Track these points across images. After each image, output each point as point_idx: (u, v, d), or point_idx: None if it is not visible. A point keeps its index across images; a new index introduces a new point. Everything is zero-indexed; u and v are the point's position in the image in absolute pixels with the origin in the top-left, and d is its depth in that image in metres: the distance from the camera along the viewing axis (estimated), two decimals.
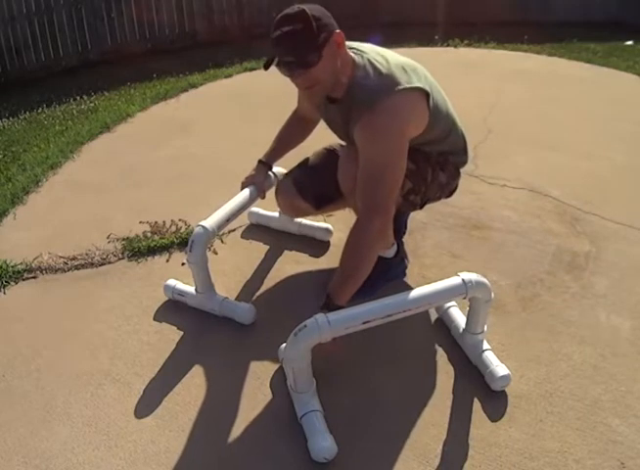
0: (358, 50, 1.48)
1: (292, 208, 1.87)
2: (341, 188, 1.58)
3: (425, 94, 1.45)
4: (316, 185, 1.74)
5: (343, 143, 1.82)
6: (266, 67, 1.39)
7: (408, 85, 1.40)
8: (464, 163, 1.73)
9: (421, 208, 1.72)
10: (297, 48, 1.33)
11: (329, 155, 1.80)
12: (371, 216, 1.42)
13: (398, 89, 1.39)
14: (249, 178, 1.84)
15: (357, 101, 1.42)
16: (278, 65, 1.37)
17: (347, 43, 1.47)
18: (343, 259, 1.45)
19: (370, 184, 1.43)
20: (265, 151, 1.87)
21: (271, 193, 1.91)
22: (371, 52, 1.48)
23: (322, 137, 1.85)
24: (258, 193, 1.81)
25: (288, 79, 1.44)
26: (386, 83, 1.40)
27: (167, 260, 2.02)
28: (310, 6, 1.35)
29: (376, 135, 1.40)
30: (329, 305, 1.38)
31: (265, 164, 1.85)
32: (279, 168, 1.91)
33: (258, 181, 1.82)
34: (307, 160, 1.82)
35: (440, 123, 1.54)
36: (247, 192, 1.79)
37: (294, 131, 1.87)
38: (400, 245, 1.83)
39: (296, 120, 1.87)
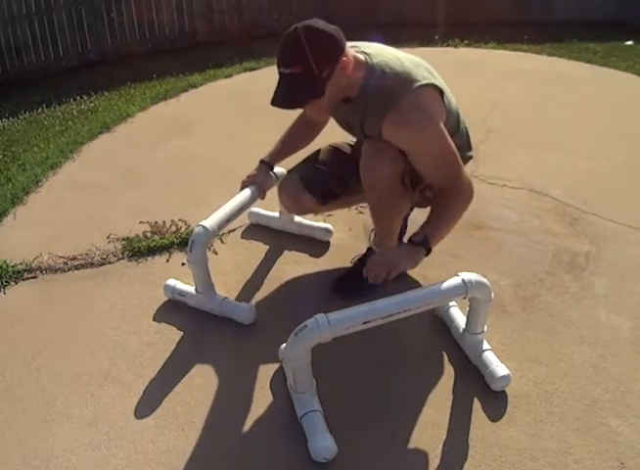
0: (368, 50, 1.47)
1: (295, 204, 1.84)
2: (362, 182, 1.57)
3: (439, 91, 1.46)
4: (323, 181, 1.73)
5: (351, 140, 1.82)
6: (272, 104, 1.39)
7: (425, 81, 1.41)
8: (469, 158, 1.72)
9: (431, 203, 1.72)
10: (298, 91, 1.35)
11: (335, 152, 1.80)
12: (456, 182, 1.45)
13: (417, 86, 1.39)
14: (250, 178, 1.82)
15: (375, 100, 1.41)
16: (278, 105, 1.39)
17: (355, 43, 1.48)
18: (444, 216, 1.46)
19: (436, 166, 1.45)
20: (266, 150, 1.86)
21: (272, 192, 1.91)
22: (382, 50, 1.48)
23: (325, 137, 1.85)
24: (259, 193, 1.81)
25: None
26: (404, 80, 1.40)
27: (167, 260, 2.02)
28: (312, 32, 1.31)
29: (413, 131, 1.40)
30: (428, 247, 1.39)
31: (267, 165, 1.83)
32: (279, 169, 1.91)
33: (259, 181, 1.81)
34: (313, 156, 1.81)
35: (451, 119, 1.54)
36: (247, 192, 1.78)
37: (299, 134, 1.85)
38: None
39: (302, 123, 1.85)
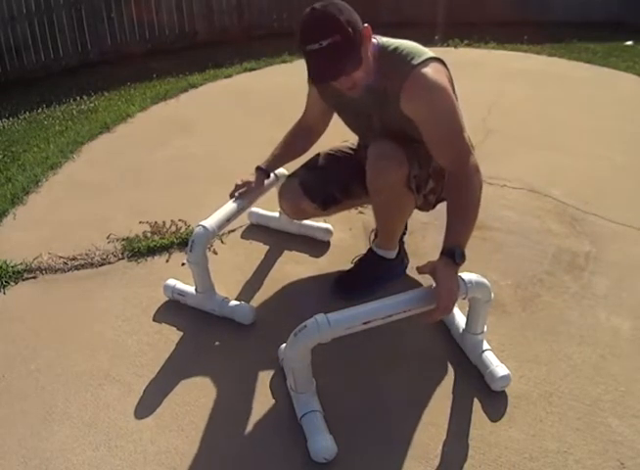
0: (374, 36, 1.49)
1: (296, 210, 1.81)
2: (368, 186, 1.56)
3: (447, 70, 1.48)
4: (324, 186, 1.71)
5: (352, 143, 1.82)
6: (316, 82, 1.43)
7: (433, 55, 1.44)
8: None
9: (433, 207, 1.71)
10: (341, 60, 1.34)
11: (336, 156, 1.79)
12: (464, 164, 1.40)
13: (430, 56, 1.42)
14: (244, 183, 1.75)
15: (392, 69, 1.42)
16: (326, 77, 1.39)
17: None
18: (462, 210, 1.39)
19: (448, 138, 1.42)
20: (266, 150, 1.83)
21: (271, 192, 1.91)
22: (385, 38, 1.50)
23: (324, 139, 1.85)
24: (251, 201, 1.77)
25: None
26: (417, 52, 1.43)
27: (167, 261, 2.02)
28: (335, 4, 1.33)
29: (432, 95, 1.40)
30: (462, 255, 1.32)
31: (264, 172, 1.78)
32: (279, 169, 1.90)
33: (254, 189, 1.75)
34: (313, 161, 1.79)
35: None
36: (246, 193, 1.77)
37: (298, 140, 1.81)
38: (401, 245, 1.83)
39: (300, 130, 1.82)
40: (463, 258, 1.33)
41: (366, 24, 1.38)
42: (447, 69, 1.48)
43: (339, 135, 1.78)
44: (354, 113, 1.60)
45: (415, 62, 1.40)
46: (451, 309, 1.32)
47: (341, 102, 1.60)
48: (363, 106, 1.53)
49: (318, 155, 1.81)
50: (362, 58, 1.37)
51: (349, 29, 1.32)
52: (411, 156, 1.50)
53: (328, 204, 1.75)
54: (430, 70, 1.40)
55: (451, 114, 1.42)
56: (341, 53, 1.33)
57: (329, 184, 1.72)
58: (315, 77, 1.40)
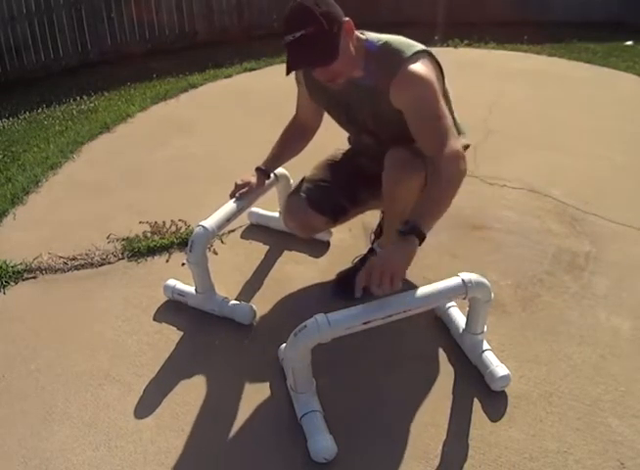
0: (363, 32, 1.51)
1: (304, 226, 1.77)
2: (386, 193, 1.55)
3: (437, 62, 1.50)
4: (331, 197, 1.70)
5: (344, 149, 1.81)
6: (288, 72, 1.43)
7: (423, 47, 1.45)
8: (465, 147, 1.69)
9: None
10: (313, 51, 1.35)
11: (333, 165, 1.78)
12: (446, 150, 1.38)
13: (420, 50, 1.44)
14: (244, 183, 1.74)
15: (383, 63, 1.43)
16: (297, 67, 1.41)
17: None
18: (436, 193, 1.37)
19: (433, 125, 1.42)
20: (266, 150, 1.83)
21: (272, 192, 1.91)
22: (374, 34, 1.50)
23: (321, 139, 1.85)
24: (251, 201, 1.77)
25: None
26: (406, 45, 1.44)
27: (167, 261, 2.02)
28: None
29: (419, 89, 1.41)
30: (420, 234, 1.31)
31: (264, 172, 1.78)
32: (279, 169, 1.90)
33: (255, 190, 1.75)
34: (311, 174, 1.77)
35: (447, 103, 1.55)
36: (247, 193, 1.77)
37: (294, 140, 1.81)
38: None
39: (295, 129, 1.81)
40: (414, 230, 1.30)
41: (347, 18, 1.39)
42: (436, 60, 1.49)
43: (335, 137, 1.78)
44: (345, 110, 1.60)
45: (404, 56, 1.41)
46: (381, 289, 1.24)
47: (331, 101, 1.61)
48: (353, 102, 1.54)
49: (314, 168, 1.79)
50: (339, 51, 1.37)
51: (324, 22, 1.33)
52: (424, 160, 1.49)
53: (338, 215, 1.74)
54: (418, 64, 1.41)
55: (434, 106, 1.41)
56: (312, 45, 1.34)
57: (335, 194, 1.70)
58: (287, 67, 1.42)
